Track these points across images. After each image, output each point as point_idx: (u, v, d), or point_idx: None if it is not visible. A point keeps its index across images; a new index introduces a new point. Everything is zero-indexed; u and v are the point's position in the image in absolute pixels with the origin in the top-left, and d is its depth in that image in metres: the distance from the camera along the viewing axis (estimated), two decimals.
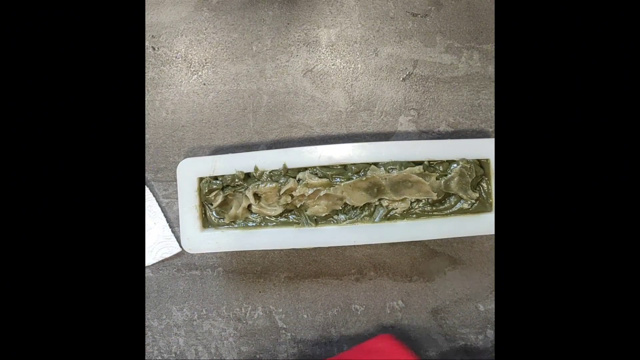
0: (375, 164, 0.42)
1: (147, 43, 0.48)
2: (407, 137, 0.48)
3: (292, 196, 0.43)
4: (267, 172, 0.43)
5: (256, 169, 0.43)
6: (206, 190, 0.43)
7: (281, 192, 0.42)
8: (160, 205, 0.48)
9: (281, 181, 0.42)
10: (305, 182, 0.42)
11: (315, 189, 0.42)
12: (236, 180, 0.43)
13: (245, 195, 0.43)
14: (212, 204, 0.44)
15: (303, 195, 0.42)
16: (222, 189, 0.43)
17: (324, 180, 0.42)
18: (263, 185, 0.43)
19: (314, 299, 0.50)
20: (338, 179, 0.42)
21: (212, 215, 0.44)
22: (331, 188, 0.42)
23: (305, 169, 0.43)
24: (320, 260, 0.49)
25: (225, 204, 0.44)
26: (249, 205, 0.44)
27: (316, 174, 0.42)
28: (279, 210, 0.43)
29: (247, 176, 0.44)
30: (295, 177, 0.43)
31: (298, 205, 0.43)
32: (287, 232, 0.43)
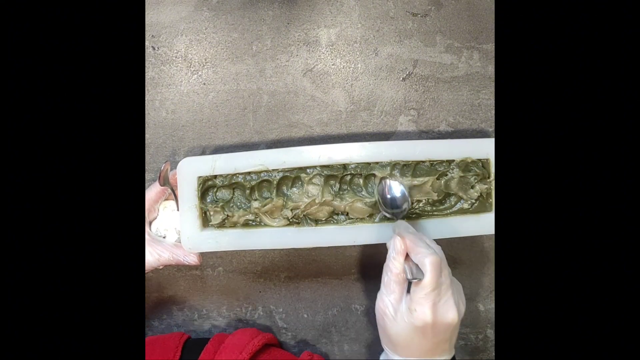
0: (375, 163, 0.42)
1: (147, 43, 0.48)
2: (407, 137, 0.48)
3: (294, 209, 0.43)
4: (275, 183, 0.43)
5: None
6: (205, 197, 0.43)
7: (288, 208, 0.42)
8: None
9: (287, 192, 0.42)
10: (313, 200, 0.42)
11: (319, 205, 0.42)
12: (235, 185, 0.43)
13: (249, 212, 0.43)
14: (212, 215, 0.43)
15: (309, 205, 0.42)
16: (223, 207, 0.43)
17: (328, 197, 0.42)
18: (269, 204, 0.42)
19: (314, 298, 0.50)
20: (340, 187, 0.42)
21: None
22: (334, 202, 0.42)
23: (306, 168, 0.42)
24: (320, 260, 0.49)
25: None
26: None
27: (318, 184, 0.42)
28: (283, 222, 0.43)
29: (248, 173, 0.43)
30: (298, 183, 0.43)
31: (302, 215, 0.43)
32: (287, 232, 0.43)
